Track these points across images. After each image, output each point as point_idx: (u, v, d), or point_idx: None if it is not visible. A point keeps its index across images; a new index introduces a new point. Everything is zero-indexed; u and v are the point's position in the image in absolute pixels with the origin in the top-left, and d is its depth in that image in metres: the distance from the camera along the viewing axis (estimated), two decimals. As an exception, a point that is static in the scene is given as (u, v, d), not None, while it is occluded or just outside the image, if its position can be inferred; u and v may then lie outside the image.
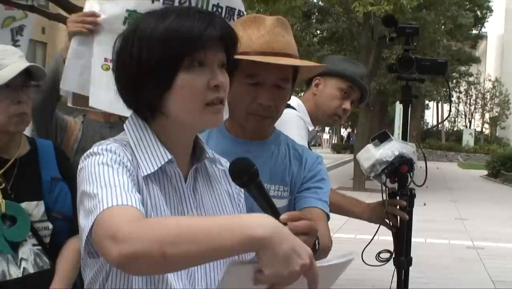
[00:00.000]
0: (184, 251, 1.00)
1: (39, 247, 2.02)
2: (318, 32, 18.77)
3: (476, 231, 9.20)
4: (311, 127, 2.30)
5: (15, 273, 1.95)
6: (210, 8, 2.35)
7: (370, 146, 2.18)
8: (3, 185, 2.00)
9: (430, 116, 44.84)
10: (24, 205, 2.00)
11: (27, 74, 1.98)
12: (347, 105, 2.32)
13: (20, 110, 1.96)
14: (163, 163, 1.23)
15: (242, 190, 1.37)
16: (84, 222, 1.14)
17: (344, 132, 51.55)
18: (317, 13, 18.10)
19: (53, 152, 2.17)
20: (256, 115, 1.57)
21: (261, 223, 0.98)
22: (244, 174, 1.18)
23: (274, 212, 1.17)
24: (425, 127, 35.61)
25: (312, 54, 16.42)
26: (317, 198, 1.66)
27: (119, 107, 1.58)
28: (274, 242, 0.94)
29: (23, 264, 1.97)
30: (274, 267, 0.94)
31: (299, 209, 1.58)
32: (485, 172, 23.10)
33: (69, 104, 2.49)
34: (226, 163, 1.40)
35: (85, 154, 1.25)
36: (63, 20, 7.44)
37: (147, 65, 1.21)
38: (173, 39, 1.20)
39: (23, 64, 1.95)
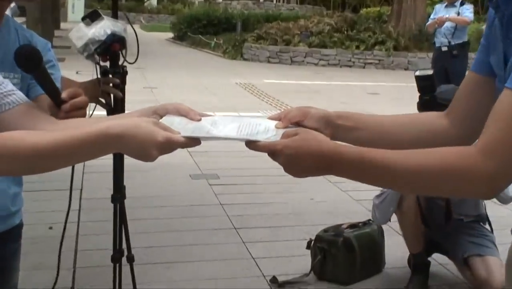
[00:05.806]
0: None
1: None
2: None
3: (165, 100, 8.87)
4: None
5: None
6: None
7: (81, 25, 2.07)
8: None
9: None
10: None
11: None
12: None
13: None
14: None
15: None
16: None
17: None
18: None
19: None
20: None
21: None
22: (31, 60, 1.22)
23: (57, 93, 1.32)
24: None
25: None
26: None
27: None
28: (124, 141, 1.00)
29: None
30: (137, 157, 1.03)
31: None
32: (171, 35, 21.36)
33: None
34: None
35: None
36: None
37: None
38: None
39: None
